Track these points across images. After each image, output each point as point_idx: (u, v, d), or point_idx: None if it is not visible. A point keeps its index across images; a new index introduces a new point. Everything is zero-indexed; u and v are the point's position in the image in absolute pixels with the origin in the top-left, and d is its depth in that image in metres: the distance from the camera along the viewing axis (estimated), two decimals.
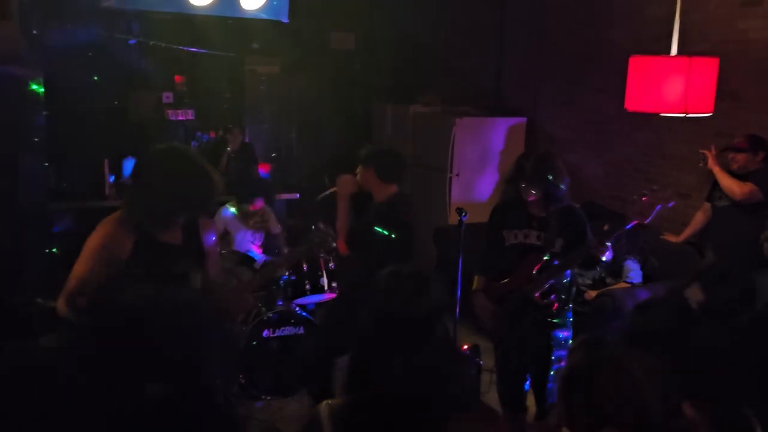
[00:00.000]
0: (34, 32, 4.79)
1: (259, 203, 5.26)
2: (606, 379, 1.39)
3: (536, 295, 3.33)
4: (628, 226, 3.26)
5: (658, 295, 2.29)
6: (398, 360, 1.54)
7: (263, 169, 7.21)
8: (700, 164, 4.64)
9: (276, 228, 5.38)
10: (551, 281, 3.34)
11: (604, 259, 3.29)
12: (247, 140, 7.13)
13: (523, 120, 6.54)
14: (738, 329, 1.86)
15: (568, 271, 3.45)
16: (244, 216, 5.30)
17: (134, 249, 2.54)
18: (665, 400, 1.34)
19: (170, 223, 2.64)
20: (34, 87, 4.91)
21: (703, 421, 1.40)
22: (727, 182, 4.39)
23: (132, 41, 6.44)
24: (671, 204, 3.12)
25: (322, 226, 2.99)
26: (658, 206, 3.11)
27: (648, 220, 3.15)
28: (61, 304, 2.50)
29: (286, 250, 4.95)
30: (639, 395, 1.33)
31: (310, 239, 2.96)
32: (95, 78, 6.82)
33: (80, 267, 2.53)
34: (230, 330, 1.52)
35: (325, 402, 1.65)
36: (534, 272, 3.35)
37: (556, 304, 3.40)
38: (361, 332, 1.68)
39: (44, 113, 5.02)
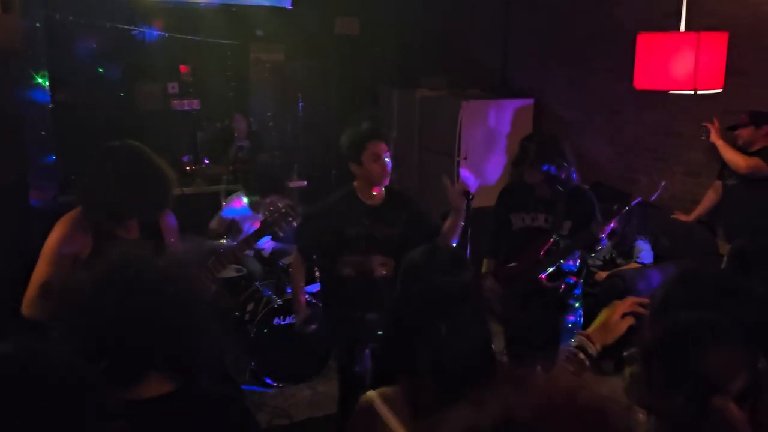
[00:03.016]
0: (37, 24, 4.79)
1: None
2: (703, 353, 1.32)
3: (542, 277, 3.30)
4: (632, 204, 3.22)
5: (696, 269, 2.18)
6: (443, 333, 1.52)
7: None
8: (702, 137, 4.60)
9: None
10: (558, 263, 3.30)
11: (601, 239, 3.25)
12: (253, 129, 7.12)
13: (530, 101, 6.48)
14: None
15: (577, 253, 3.41)
16: (255, 206, 5.30)
17: (94, 247, 2.54)
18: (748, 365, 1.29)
19: (125, 220, 2.62)
20: (39, 80, 4.91)
21: None
22: (731, 155, 4.36)
23: (135, 31, 6.42)
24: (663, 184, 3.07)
25: (275, 200, 2.92)
26: (663, 183, 3.07)
27: (653, 197, 3.11)
28: (26, 308, 2.50)
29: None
30: (733, 364, 1.28)
31: (266, 219, 2.90)
32: (100, 69, 6.82)
33: (41, 269, 2.53)
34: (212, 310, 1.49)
35: (372, 392, 1.60)
36: (541, 255, 3.33)
37: (563, 286, 3.37)
38: (398, 311, 1.67)
39: (50, 106, 5.02)
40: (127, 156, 2.60)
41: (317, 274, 4.72)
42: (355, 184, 3.19)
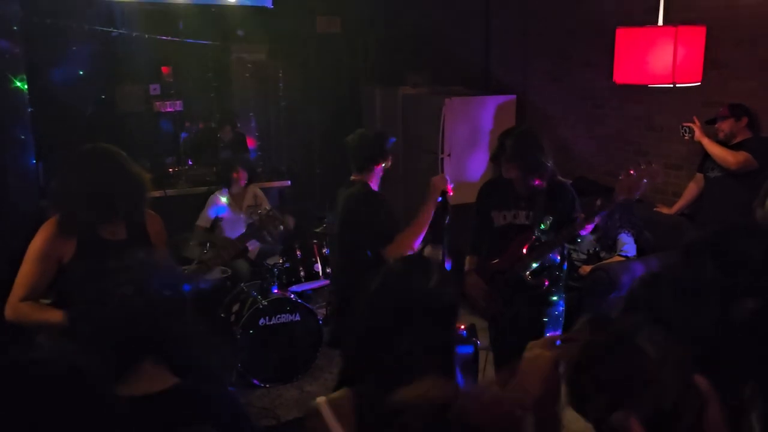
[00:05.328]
0: (15, 28, 4.73)
1: (243, 174, 5.27)
2: (621, 361, 1.31)
3: (526, 274, 3.31)
4: (617, 202, 3.23)
5: (661, 269, 2.18)
6: (413, 347, 1.53)
7: (249, 144, 7.19)
8: (686, 137, 4.63)
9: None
10: (541, 259, 3.31)
11: (581, 233, 3.27)
12: (237, 129, 7.10)
13: (512, 97, 6.50)
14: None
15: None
16: (237, 202, 5.30)
17: (78, 249, 2.53)
18: (680, 380, 1.27)
19: (104, 221, 2.60)
20: (18, 83, 4.85)
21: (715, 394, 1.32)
22: (719, 152, 4.37)
23: (115, 33, 6.37)
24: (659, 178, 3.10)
25: (269, 209, 2.97)
26: (644, 181, 3.08)
27: (637, 195, 3.13)
28: (8, 310, 2.49)
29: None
30: (656, 377, 1.26)
31: (253, 222, 2.93)
32: (80, 72, 6.76)
33: (25, 271, 2.52)
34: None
35: (321, 398, 1.62)
36: (524, 252, 3.33)
37: (546, 281, 3.38)
38: (370, 321, 1.65)
39: (29, 110, 4.97)
40: (97, 159, 2.58)
41: (302, 273, 4.73)
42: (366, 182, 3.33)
